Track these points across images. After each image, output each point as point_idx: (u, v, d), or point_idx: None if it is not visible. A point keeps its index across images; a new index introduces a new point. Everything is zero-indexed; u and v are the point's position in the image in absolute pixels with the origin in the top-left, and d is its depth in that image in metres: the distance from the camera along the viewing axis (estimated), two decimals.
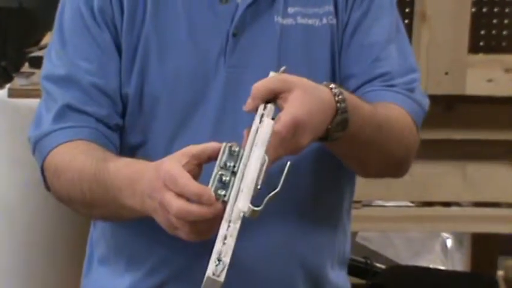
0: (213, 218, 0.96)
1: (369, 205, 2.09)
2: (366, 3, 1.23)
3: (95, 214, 1.18)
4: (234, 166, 0.98)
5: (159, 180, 0.99)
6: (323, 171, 1.22)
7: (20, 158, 1.58)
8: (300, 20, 1.19)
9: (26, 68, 1.97)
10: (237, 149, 0.99)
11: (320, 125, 1.05)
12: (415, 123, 1.22)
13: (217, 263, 0.91)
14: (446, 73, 1.91)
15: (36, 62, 1.87)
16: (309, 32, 1.20)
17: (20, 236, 1.83)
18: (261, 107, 1.02)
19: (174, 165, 0.99)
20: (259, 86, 1.03)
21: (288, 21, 1.19)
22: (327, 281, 1.26)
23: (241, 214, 0.94)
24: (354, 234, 2.54)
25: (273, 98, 1.03)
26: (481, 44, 1.96)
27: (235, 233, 0.93)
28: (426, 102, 1.26)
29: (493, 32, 1.96)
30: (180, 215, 0.97)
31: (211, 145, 1.01)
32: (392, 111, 1.19)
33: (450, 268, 2.78)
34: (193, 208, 0.96)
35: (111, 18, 1.18)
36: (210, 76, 1.18)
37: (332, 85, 1.08)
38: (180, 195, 0.97)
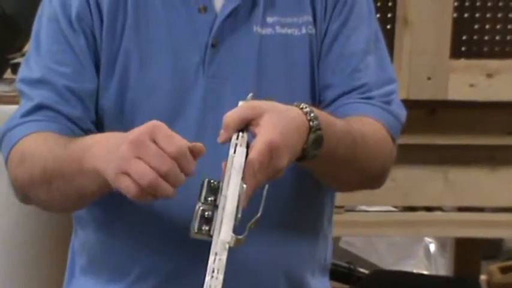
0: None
1: (352, 210, 2.09)
2: (344, 14, 1.22)
3: (52, 191, 1.12)
4: (215, 200, 0.97)
5: (145, 128, 0.99)
6: (303, 181, 1.20)
7: (3, 165, 1.59)
8: (278, 30, 1.18)
9: (8, 74, 1.99)
10: (216, 183, 0.98)
11: (295, 145, 1.03)
12: (391, 135, 1.21)
13: None
14: (429, 78, 1.91)
15: (19, 69, 1.85)
16: (288, 41, 1.18)
17: (1, 242, 1.81)
18: (234, 136, 1.01)
19: (170, 133, 1.00)
20: (230, 117, 1.01)
21: (267, 31, 1.18)
22: None
23: (226, 245, 0.94)
24: (337, 239, 2.57)
25: (245, 126, 1.02)
26: (463, 49, 1.95)
27: (222, 266, 0.92)
28: (403, 114, 1.24)
29: (475, 37, 1.95)
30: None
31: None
32: (367, 125, 1.17)
33: (433, 273, 2.83)
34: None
35: (90, 26, 1.17)
36: (190, 87, 1.16)
37: (302, 105, 1.06)
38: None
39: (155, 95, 1.16)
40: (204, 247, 0.99)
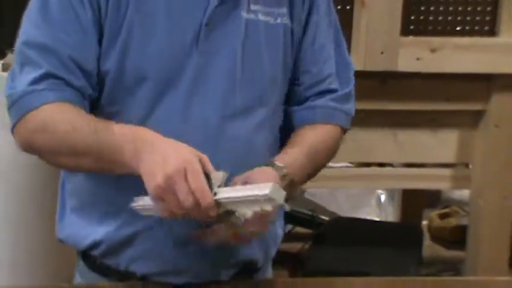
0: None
1: None
2: (318, 8, 1.25)
3: (78, 163, 1.12)
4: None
5: (179, 159, 1.02)
6: (272, 150, 1.24)
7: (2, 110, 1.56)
8: (260, 17, 1.20)
9: None
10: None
11: None
12: (344, 129, 1.29)
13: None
14: (382, 52, 1.92)
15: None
16: (267, 27, 1.20)
17: (10, 189, 1.84)
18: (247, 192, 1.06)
19: (198, 165, 1.03)
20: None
21: (251, 16, 1.19)
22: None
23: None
24: (302, 190, 2.56)
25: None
26: (411, 27, 1.96)
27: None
28: (353, 109, 1.31)
29: (421, 17, 1.96)
30: (188, 208, 1.02)
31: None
32: (321, 136, 1.25)
33: (383, 219, 2.79)
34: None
35: (97, 0, 1.14)
36: (184, 59, 1.16)
37: (276, 162, 1.14)
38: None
39: (154, 65, 1.15)
40: None
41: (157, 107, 1.16)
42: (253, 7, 1.19)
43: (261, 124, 1.21)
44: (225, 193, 1.03)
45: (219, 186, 1.04)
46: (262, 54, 1.19)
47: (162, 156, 1.03)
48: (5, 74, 1.70)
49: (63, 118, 1.11)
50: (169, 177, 1.01)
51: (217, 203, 1.02)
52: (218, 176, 1.04)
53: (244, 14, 1.18)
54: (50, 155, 1.14)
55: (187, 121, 1.15)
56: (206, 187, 1.01)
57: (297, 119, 1.28)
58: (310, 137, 1.23)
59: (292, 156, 1.18)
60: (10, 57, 1.84)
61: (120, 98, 1.17)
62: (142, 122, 1.14)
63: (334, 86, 1.28)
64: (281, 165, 1.14)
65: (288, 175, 1.14)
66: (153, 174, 1.02)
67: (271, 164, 1.14)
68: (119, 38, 1.14)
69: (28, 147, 1.15)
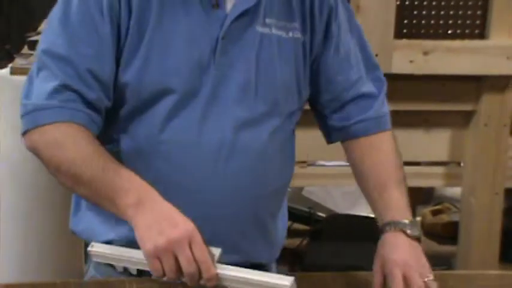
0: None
1: (313, 165, 2.13)
2: (337, 14, 1.26)
3: (75, 187, 1.13)
4: None
5: (186, 227, 1.04)
6: (283, 154, 1.27)
7: (20, 125, 1.59)
8: (274, 31, 1.21)
9: (25, 50, 1.97)
10: None
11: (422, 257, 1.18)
12: (391, 128, 1.32)
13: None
14: (376, 55, 1.76)
15: (34, 45, 1.85)
16: (280, 41, 1.22)
17: (22, 186, 1.84)
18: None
19: (202, 240, 1.04)
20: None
21: (265, 30, 1.21)
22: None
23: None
24: (301, 188, 2.55)
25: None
26: (405, 31, 1.98)
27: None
28: (387, 109, 1.34)
29: (414, 21, 1.99)
30: (188, 272, 1.04)
31: None
32: (392, 151, 1.29)
33: None
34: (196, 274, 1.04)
35: (117, 16, 1.14)
36: (203, 72, 1.17)
37: (405, 228, 1.18)
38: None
39: (174, 78, 1.16)
40: (204, 204, 1.10)
41: (175, 118, 1.17)
42: (267, 20, 1.20)
43: (274, 132, 1.22)
44: (228, 271, 1.05)
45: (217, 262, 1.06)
46: (275, 67, 1.21)
47: (169, 219, 1.05)
48: (14, 78, 1.77)
49: (73, 144, 1.11)
50: (174, 240, 1.03)
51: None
52: (216, 252, 1.06)
53: (259, 29, 1.20)
54: (52, 169, 1.14)
55: (203, 131, 1.16)
56: (210, 260, 1.04)
57: (352, 133, 1.29)
58: (387, 163, 1.26)
59: (394, 198, 1.23)
60: (18, 62, 1.86)
61: (139, 109, 1.17)
62: (160, 131, 1.16)
63: (367, 88, 1.29)
64: (404, 221, 1.18)
65: (415, 231, 1.17)
66: (156, 232, 1.03)
67: (395, 225, 1.18)
68: (139, 51, 1.15)
69: (34, 153, 1.15)
